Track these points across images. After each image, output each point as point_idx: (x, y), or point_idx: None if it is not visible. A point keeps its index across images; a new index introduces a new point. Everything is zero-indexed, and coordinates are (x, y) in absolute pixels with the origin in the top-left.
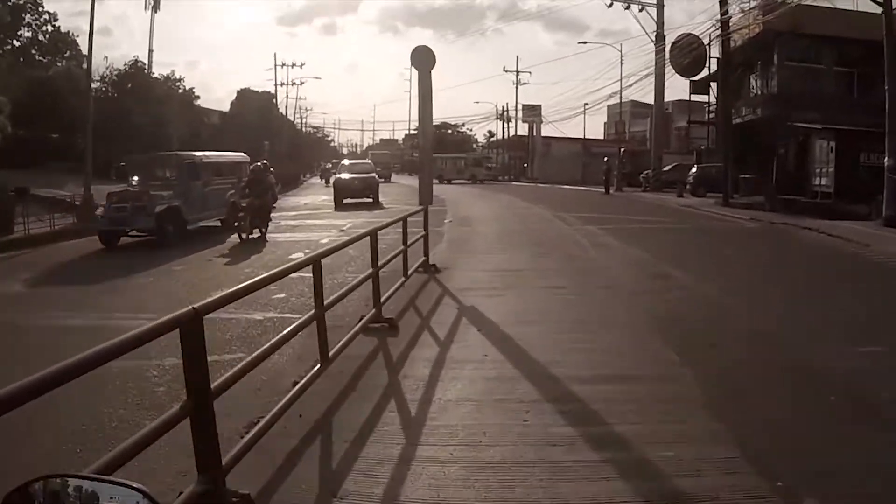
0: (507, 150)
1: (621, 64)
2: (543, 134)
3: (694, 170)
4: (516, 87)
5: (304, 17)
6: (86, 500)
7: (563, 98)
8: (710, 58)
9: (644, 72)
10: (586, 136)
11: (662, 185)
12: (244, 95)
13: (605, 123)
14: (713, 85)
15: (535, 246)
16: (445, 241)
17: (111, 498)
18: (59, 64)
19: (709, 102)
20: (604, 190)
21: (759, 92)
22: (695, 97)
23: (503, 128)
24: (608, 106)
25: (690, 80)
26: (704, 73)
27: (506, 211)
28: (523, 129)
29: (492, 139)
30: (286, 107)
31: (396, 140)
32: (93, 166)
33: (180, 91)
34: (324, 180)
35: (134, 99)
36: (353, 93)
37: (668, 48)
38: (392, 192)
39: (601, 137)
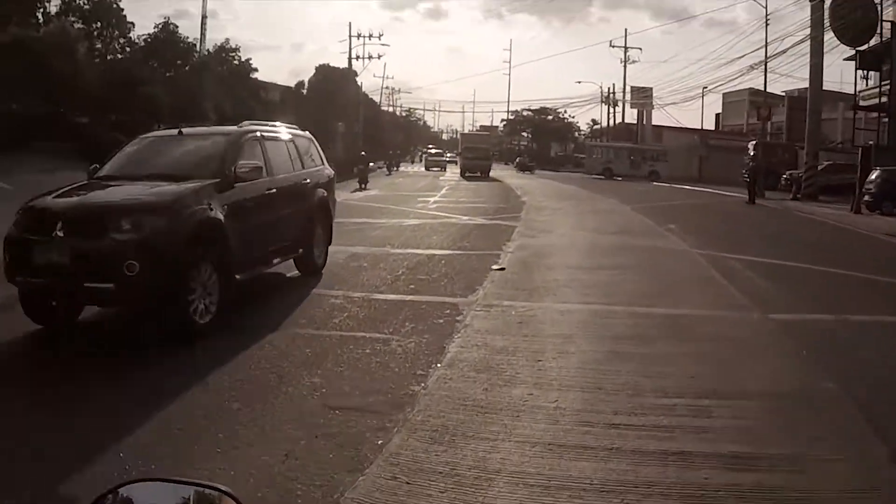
0: (614, 140)
1: (766, 24)
2: (654, 122)
3: (876, 174)
4: (624, 66)
5: (409, 2)
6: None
7: (674, 81)
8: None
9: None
10: (703, 127)
11: (818, 192)
12: (323, 72)
13: (717, 114)
14: None
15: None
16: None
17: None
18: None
19: (860, 87)
20: (747, 197)
21: None
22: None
23: (608, 113)
24: (724, 94)
25: (857, 52)
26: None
27: (620, 239)
28: (630, 117)
29: (595, 127)
30: (381, 91)
31: (495, 127)
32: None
33: (235, 62)
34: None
35: (155, 67)
36: (455, 78)
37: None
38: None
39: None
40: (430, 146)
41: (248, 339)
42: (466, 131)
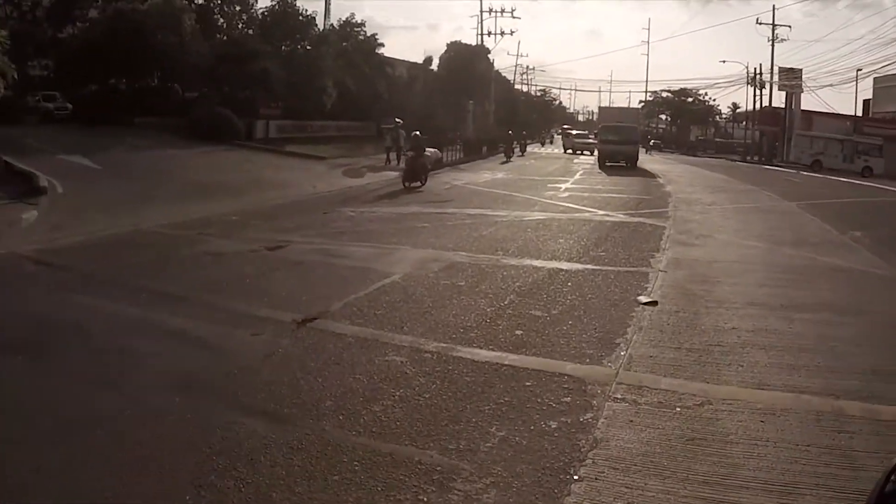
0: (759, 125)
1: None
2: (803, 107)
3: None
4: (772, 43)
5: None
6: None
7: (824, 63)
8: None
9: None
10: (858, 114)
11: None
12: (454, 48)
13: (866, 100)
14: None
15: None
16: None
17: None
18: None
19: None
20: None
21: None
22: None
23: (753, 96)
24: (875, 78)
25: None
26: None
27: (802, 254)
28: (777, 101)
29: (738, 111)
30: (515, 68)
31: (633, 108)
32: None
33: (360, 38)
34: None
35: (270, 41)
36: (591, 56)
37: None
38: None
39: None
40: (566, 126)
41: None
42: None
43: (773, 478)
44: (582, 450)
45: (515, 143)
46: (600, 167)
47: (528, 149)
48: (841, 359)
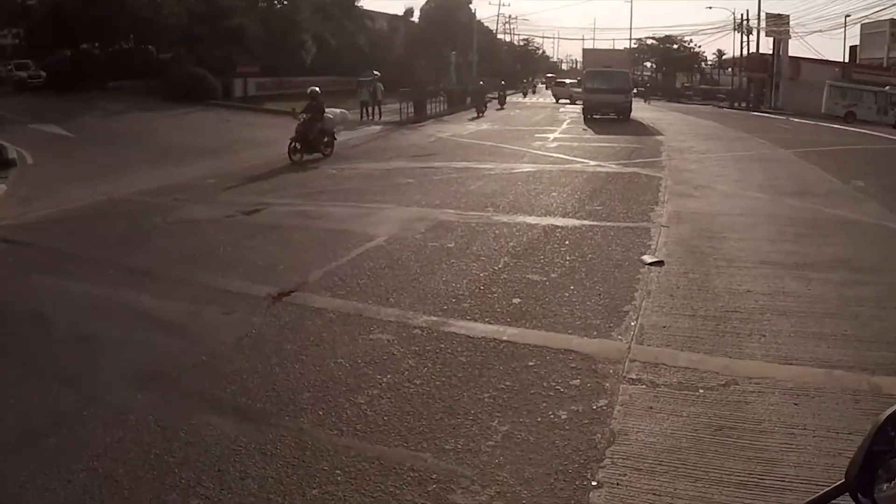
0: (746, 71)
1: None
2: (790, 54)
3: None
4: None
5: None
6: None
7: (813, 9)
8: None
9: None
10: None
11: None
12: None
13: (853, 47)
14: None
15: None
16: None
17: None
18: None
19: None
20: None
21: None
22: None
23: (740, 42)
24: (862, 25)
25: None
26: None
27: (807, 205)
28: (764, 47)
29: (723, 57)
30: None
31: (622, 50)
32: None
33: None
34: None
35: None
36: (575, 6)
37: None
38: None
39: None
40: (550, 74)
41: None
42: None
43: (817, 475)
44: (598, 446)
45: (492, 95)
46: (585, 120)
47: (510, 99)
48: (867, 325)
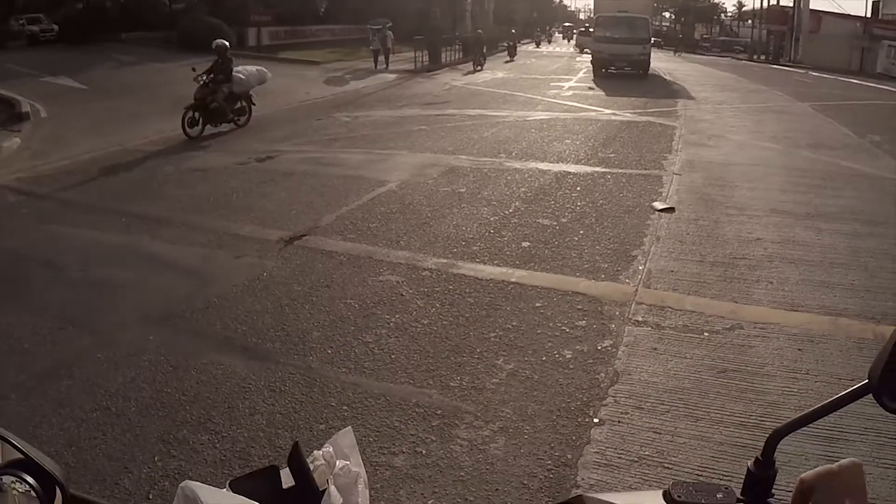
0: (766, 24)
1: None
2: (811, 6)
3: None
4: None
5: None
6: None
7: None
8: None
9: None
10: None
11: None
12: None
13: (875, 2)
14: None
15: None
16: None
17: None
18: None
19: None
20: None
21: None
22: None
23: None
24: None
25: None
26: None
27: (821, 158)
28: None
29: (743, 9)
30: None
31: None
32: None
33: None
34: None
35: None
36: None
37: None
38: None
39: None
40: (567, 24)
41: None
42: None
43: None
44: (601, 385)
45: (504, 44)
46: (596, 76)
47: (523, 49)
48: (876, 276)
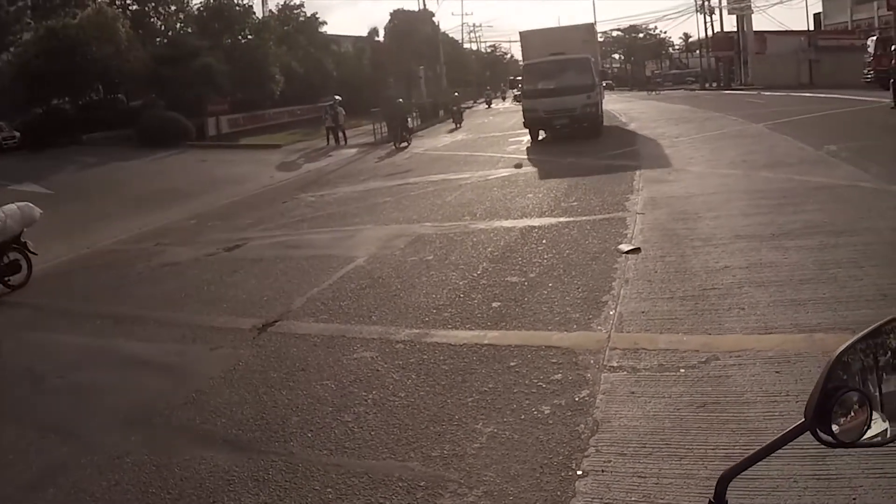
0: (713, 51)
1: None
2: (755, 28)
3: None
4: None
5: None
6: None
7: None
8: None
9: None
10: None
11: None
12: (397, 17)
13: (816, 14)
14: None
15: None
16: None
17: None
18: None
19: None
20: (892, 101)
21: None
22: None
23: (704, 23)
24: None
25: None
26: None
27: (780, 176)
28: (728, 25)
29: (690, 40)
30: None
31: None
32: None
33: (301, 19)
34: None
35: (209, 36)
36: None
37: None
38: None
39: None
40: (519, 77)
41: None
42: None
43: (803, 440)
44: (582, 436)
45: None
46: (533, 138)
47: (474, 109)
48: (846, 286)
